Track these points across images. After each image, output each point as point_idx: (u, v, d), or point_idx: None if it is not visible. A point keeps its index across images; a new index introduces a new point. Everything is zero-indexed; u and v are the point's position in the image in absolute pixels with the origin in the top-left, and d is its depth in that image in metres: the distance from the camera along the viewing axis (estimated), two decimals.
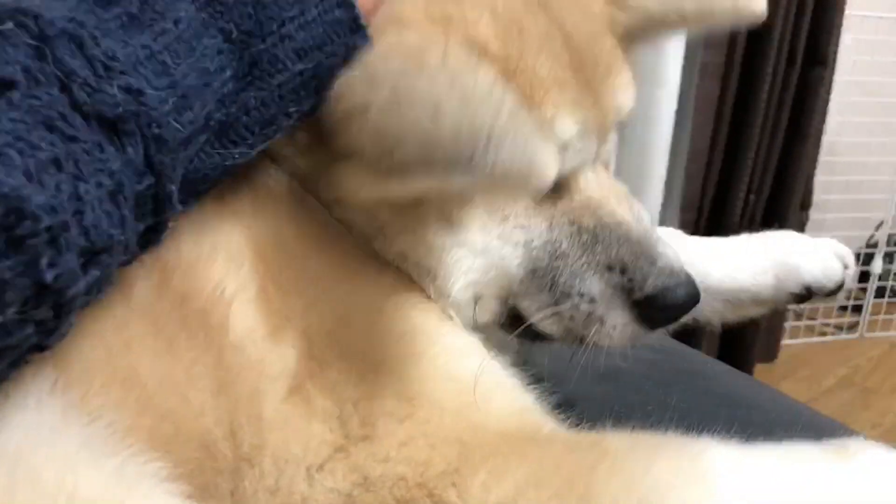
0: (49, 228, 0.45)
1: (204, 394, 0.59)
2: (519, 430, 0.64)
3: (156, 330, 0.59)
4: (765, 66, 2.37)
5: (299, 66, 0.61)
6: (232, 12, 0.58)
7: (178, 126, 0.54)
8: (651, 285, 0.71)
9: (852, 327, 3.24)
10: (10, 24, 0.49)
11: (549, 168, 0.54)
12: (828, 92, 2.64)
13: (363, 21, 0.62)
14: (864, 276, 3.22)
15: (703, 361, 1.13)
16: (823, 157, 2.92)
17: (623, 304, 0.72)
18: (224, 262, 0.63)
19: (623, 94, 0.75)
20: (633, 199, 0.77)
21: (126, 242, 0.53)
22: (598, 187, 0.75)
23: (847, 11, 2.58)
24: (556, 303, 0.73)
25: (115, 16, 0.54)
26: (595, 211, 0.74)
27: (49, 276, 0.46)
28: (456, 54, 0.57)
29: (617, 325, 0.72)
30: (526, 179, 0.54)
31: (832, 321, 3.23)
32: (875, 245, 3.23)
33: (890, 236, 3.27)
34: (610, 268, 0.72)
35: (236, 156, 0.61)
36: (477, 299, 0.74)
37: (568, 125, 0.69)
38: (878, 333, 3.24)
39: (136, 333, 0.59)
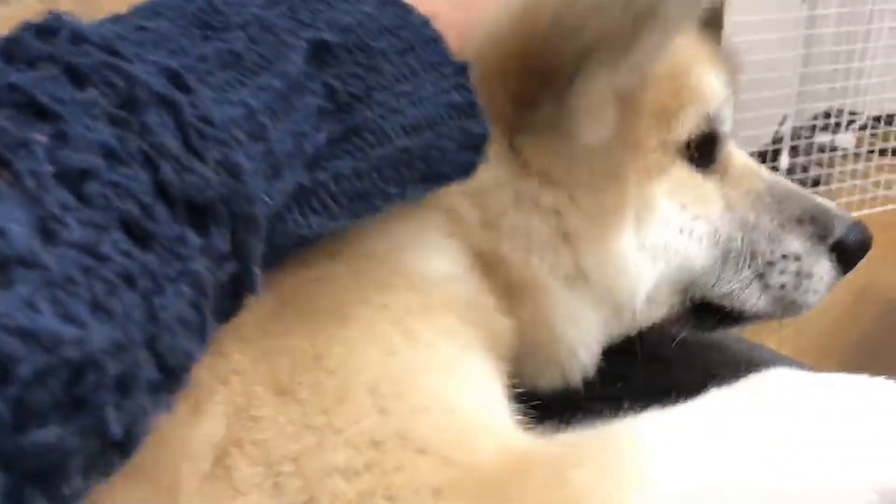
0: (118, 375, 0.37)
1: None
2: (501, 468, 0.54)
3: None
4: None
5: (404, 142, 0.54)
6: (342, 68, 0.51)
7: (268, 200, 0.47)
8: (839, 228, 0.74)
9: None
10: (93, 92, 0.41)
11: None
12: None
13: (480, 108, 0.57)
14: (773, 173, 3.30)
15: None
16: None
17: (823, 252, 0.74)
18: None
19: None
20: None
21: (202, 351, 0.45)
22: (743, 155, 0.76)
23: None
24: (762, 276, 0.72)
25: (216, 52, 0.47)
26: (759, 174, 0.75)
27: (117, 431, 0.37)
28: None
29: (822, 275, 0.73)
30: None
31: None
32: (781, 140, 3.30)
33: (794, 130, 3.35)
34: (800, 221, 0.73)
35: (313, 225, 0.52)
36: (649, 299, 0.70)
37: (721, 81, 0.70)
38: None
39: None
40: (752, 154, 2.98)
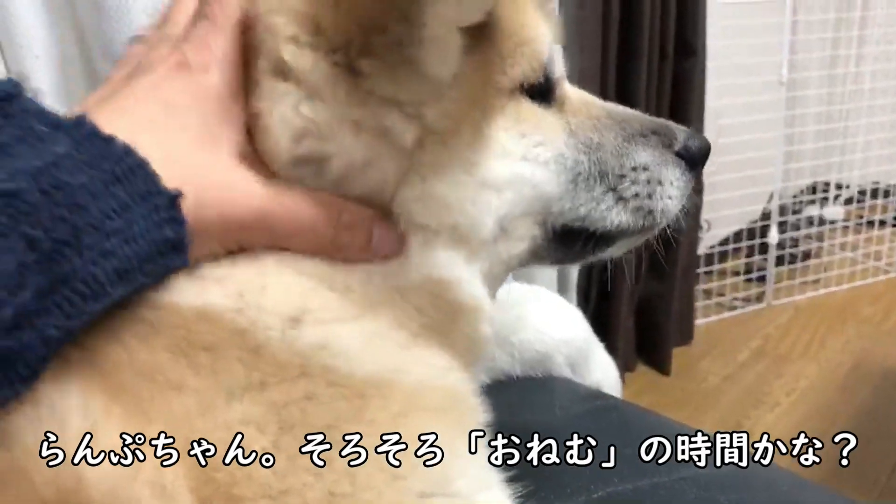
0: None
1: None
2: None
3: None
4: (639, 64, 2.46)
5: (119, 291, 0.50)
6: (40, 214, 0.46)
7: None
8: (681, 136, 0.78)
9: (759, 298, 3.37)
10: None
11: None
12: (702, 79, 2.74)
13: (188, 243, 0.54)
14: (763, 248, 3.37)
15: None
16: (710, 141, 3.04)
17: (671, 159, 0.77)
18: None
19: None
20: None
21: None
22: (578, 91, 0.79)
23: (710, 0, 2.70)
24: (615, 190, 0.75)
25: None
26: (595, 104, 0.79)
27: None
28: None
29: (674, 179, 0.77)
30: None
31: (740, 295, 3.36)
32: (769, 216, 3.37)
33: (782, 207, 3.42)
34: (643, 135, 0.77)
35: (8, 395, 0.47)
36: (507, 232, 0.71)
37: (549, 31, 0.73)
38: (783, 300, 3.38)
39: None
40: (741, 231, 3.02)
